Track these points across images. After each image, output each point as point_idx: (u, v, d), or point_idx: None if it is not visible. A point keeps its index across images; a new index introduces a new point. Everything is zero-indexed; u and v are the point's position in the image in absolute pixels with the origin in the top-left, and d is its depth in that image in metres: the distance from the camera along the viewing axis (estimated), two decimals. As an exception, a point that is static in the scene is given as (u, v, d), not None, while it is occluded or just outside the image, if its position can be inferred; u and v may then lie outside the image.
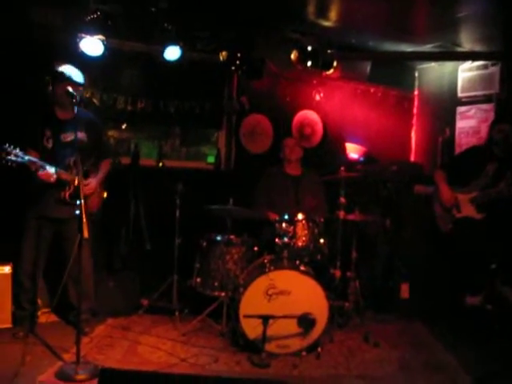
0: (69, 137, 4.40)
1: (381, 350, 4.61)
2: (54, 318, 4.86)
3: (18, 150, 3.99)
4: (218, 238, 5.04)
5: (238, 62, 5.95)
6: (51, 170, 4.19)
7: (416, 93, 7.44)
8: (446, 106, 6.88)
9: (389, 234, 6.05)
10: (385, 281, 5.95)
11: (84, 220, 3.75)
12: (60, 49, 5.27)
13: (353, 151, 6.88)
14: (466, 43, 6.05)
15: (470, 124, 6.58)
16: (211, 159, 6.76)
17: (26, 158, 4.05)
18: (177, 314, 5.08)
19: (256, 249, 5.09)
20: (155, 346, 4.44)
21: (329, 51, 5.96)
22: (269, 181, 5.59)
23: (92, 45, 5.14)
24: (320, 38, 5.97)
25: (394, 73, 7.23)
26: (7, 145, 3.95)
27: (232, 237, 5.02)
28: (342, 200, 5.10)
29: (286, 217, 4.87)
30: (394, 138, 7.24)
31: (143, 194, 5.68)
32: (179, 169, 6.34)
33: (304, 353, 4.35)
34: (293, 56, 5.95)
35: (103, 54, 5.21)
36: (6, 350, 4.18)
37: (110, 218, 4.96)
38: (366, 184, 6.15)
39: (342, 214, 5.06)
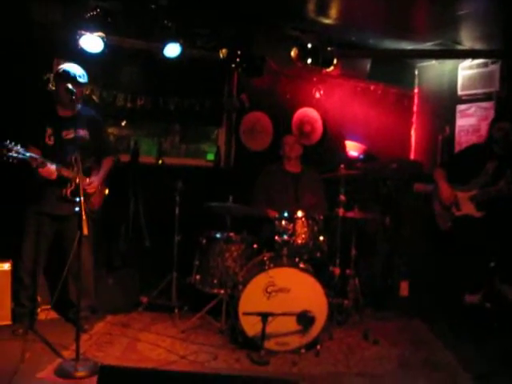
0: (70, 134, 4.40)
1: (380, 348, 4.62)
2: (53, 315, 4.86)
3: (19, 147, 3.99)
4: (218, 236, 5.04)
5: (238, 60, 5.94)
6: (52, 166, 4.19)
7: (416, 91, 7.45)
8: (445, 104, 6.88)
9: (388, 231, 6.05)
10: (384, 278, 5.96)
11: (84, 217, 3.76)
12: (60, 46, 5.28)
13: (352, 149, 6.87)
14: (467, 41, 6.04)
15: (469, 122, 6.57)
16: (211, 156, 6.75)
17: (27, 154, 4.05)
18: (176, 311, 5.09)
19: (255, 246, 5.09)
20: (155, 343, 4.44)
21: (329, 49, 5.95)
22: (268, 178, 5.59)
23: (92, 42, 5.13)
24: (320, 35, 5.97)
25: (394, 71, 7.24)
26: (8, 141, 3.94)
27: (231, 234, 5.02)
28: (342, 198, 5.10)
29: (286, 214, 4.87)
30: (394, 135, 7.25)
31: (143, 191, 5.68)
32: (179, 166, 6.34)
33: (303, 350, 4.36)
34: (293, 53, 5.95)
35: (103, 51, 5.20)
36: (5, 347, 4.18)
37: (109, 215, 4.95)
38: (366, 182, 6.15)
39: (341, 211, 5.06)
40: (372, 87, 7.10)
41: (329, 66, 6.09)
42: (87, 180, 4.51)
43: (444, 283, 5.39)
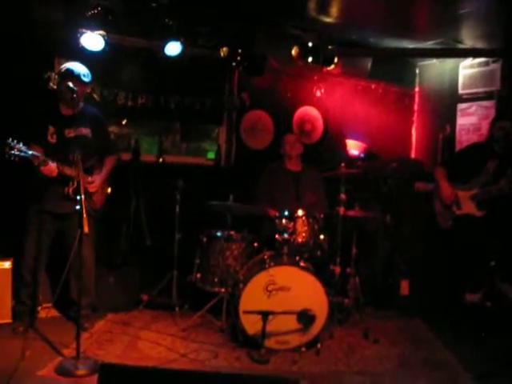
0: (73, 132, 4.40)
1: (380, 347, 4.62)
2: (54, 313, 4.87)
3: (21, 145, 3.99)
4: (218, 234, 5.04)
5: (238, 58, 5.94)
6: (53, 164, 4.20)
7: (417, 89, 7.45)
8: (446, 102, 6.88)
9: (389, 230, 6.05)
10: (385, 277, 5.96)
11: (84, 215, 3.76)
12: (61, 44, 5.28)
13: (353, 147, 6.87)
14: (468, 40, 6.04)
15: (470, 121, 6.57)
16: (211, 155, 6.76)
17: (30, 152, 4.05)
18: (177, 309, 5.09)
19: (256, 245, 5.09)
20: (155, 341, 4.45)
21: (330, 47, 5.96)
22: (269, 177, 5.59)
23: (93, 40, 5.13)
24: (321, 34, 5.97)
25: (395, 69, 7.23)
26: (10, 139, 3.95)
27: (232, 233, 5.02)
28: (343, 196, 5.09)
29: (286, 213, 4.87)
30: (395, 134, 7.25)
31: (143, 189, 5.68)
32: (179, 164, 6.34)
33: (303, 349, 4.36)
34: (294, 52, 5.95)
35: (104, 49, 5.20)
36: (5, 345, 4.18)
37: (110, 213, 4.95)
38: (367, 180, 6.15)
39: (342, 210, 5.06)
40: (373, 86, 7.10)
41: (329, 65, 6.09)
42: (89, 178, 4.51)
43: (444, 282, 5.39)
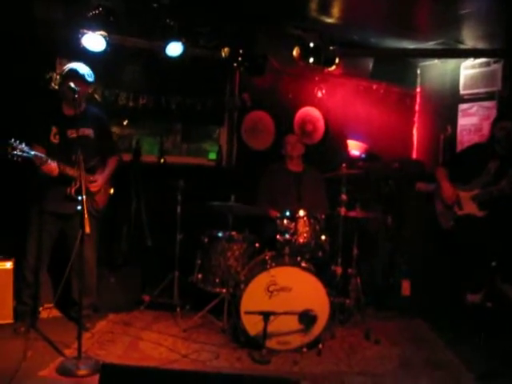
0: (75, 133, 4.41)
1: (382, 347, 4.62)
2: (55, 313, 4.87)
3: (23, 145, 4.00)
4: (220, 235, 5.04)
5: (240, 59, 5.94)
6: (54, 163, 4.20)
7: (418, 90, 7.45)
8: (447, 103, 6.88)
9: (390, 231, 6.05)
10: (386, 278, 5.96)
11: (86, 215, 3.77)
12: (62, 45, 5.28)
13: (354, 148, 6.87)
14: (469, 40, 6.04)
15: (471, 121, 6.57)
16: (213, 156, 6.76)
17: (32, 152, 4.05)
18: (178, 310, 5.09)
19: (257, 245, 5.09)
20: (156, 341, 4.45)
21: (331, 48, 5.95)
22: (270, 178, 5.59)
23: (94, 41, 5.13)
24: (322, 34, 5.96)
25: (396, 70, 7.23)
26: (13, 139, 3.95)
27: (233, 233, 5.02)
28: (344, 197, 5.09)
29: (288, 213, 4.87)
30: (396, 135, 7.25)
31: (144, 190, 5.68)
32: (181, 165, 6.34)
33: (305, 349, 4.36)
34: (295, 52, 5.94)
35: (105, 49, 5.21)
36: (7, 346, 4.18)
37: (111, 214, 4.95)
38: (368, 181, 6.15)
39: (343, 210, 5.06)
40: (374, 86, 7.10)
41: (331, 65, 6.09)
42: (91, 178, 4.52)
43: (445, 282, 5.39)
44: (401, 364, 4.29)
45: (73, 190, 4.34)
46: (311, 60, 5.93)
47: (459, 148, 6.59)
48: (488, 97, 6.39)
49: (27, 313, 4.57)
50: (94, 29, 5.10)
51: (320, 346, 4.37)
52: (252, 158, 6.59)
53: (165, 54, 5.57)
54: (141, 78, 5.98)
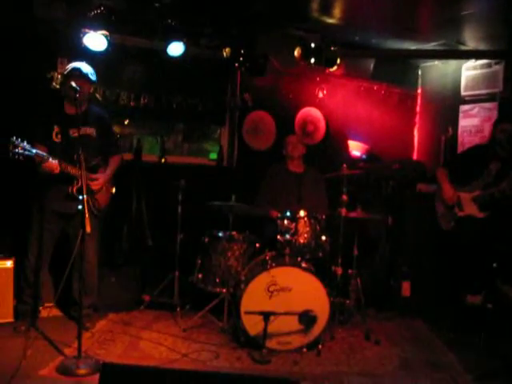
0: (77, 132, 4.40)
1: (381, 348, 4.62)
2: (55, 312, 4.88)
3: (25, 143, 3.99)
4: (220, 235, 5.03)
5: (241, 59, 5.95)
6: (54, 161, 4.20)
7: (419, 91, 7.45)
8: (449, 104, 6.88)
9: (390, 231, 6.05)
10: (386, 278, 5.96)
11: (87, 215, 3.77)
12: (64, 44, 5.29)
13: (355, 149, 6.88)
14: (470, 41, 6.04)
15: (473, 123, 6.57)
16: (214, 156, 6.76)
17: (34, 151, 4.05)
18: (178, 309, 5.09)
19: (258, 245, 5.08)
20: (156, 341, 4.45)
21: (332, 48, 5.96)
22: (271, 179, 5.59)
23: (95, 40, 5.14)
24: (324, 35, 5.97)
25: (398, 71, 7.24)
26: (14, 138, 3.95)
27: (234, 233, 5.02)
28: (344, 197, 5.09)
29: (288, 214, 4.87)
30: (397, 136, 7.25)
31: (145, 189, 5.68)
32: (181, 165, 6.34)
33: (305, 349, 4.36)
34: (296, 53, 5.95)
35: (106, 49, 5.22)
36: (7, 344, 4.19)
37: (112, 213, 4.95)
38: (369, 182, 6.15)
39: (343, 211, 5.06)
40: (375, 87, 7.10)
41: (332, 66, 6.09)
42: (93, 176, 4.52)
43: (446, 283, 5.39)
44: (401, 365, 4.29)
45: (74, 189, 4.34)
46: (312, 60, 5.94)
47: (460, 149, 6.60)
48: (489, 98, 6.39)
49: (27, 312, 4.57)
50: (95, 28, 5.11)
51: (320, 346, 4.37)
52: (253, 158, 6.58)
53: (166, 53, 5.58)
54: (142, 77, 5.99)
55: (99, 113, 4.75)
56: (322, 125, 6.93)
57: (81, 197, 3.86)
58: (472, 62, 6.55)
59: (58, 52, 5.37)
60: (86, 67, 4.46)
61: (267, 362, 4.14)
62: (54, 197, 4.43)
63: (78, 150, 4.02)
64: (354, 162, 6.37)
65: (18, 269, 4.61)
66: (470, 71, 6.60)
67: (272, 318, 4.18)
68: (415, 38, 6.17)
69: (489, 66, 6.35)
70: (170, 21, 5.43)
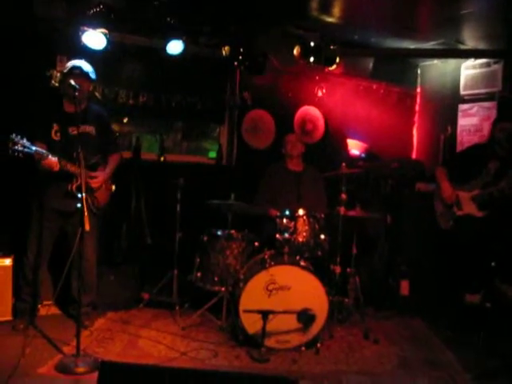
0: (76, 130, 4.40)
1: (380, 347, 4.62)
2: (54, 310, 4.88)
3: (24, 141, 3.99)
4: (219, 233, 5.04)
5: (240, 57, 5.95)
6: (54, 158, 4.19)
7: (418, 90, 7.45)
8: (448, 103, 6.88)
9: (389, 230, 6.05)
10: (385, 277, 5.97)
11: (85, 213, 3.77)
12: (63, 42, 5.29)
13: (354, 147, 6.88)
14: (469, 41, 6.04)
15: (472, 122, 6.57)
16: (213, 154, 6.76)
17: (33, 148, 4.04)
18: (177, 308, 5.09)
19: (256, 244, 5.08)
20: (155, 339, 4.45)
21: (331, 47, 5.96)
22: (271, 178, 5.59)
23: (94, 38, 5.14)
24: (323, 33, 5.97)
25: (397, 70, 7.24)
26: (14, 135, 3.94)
27: (233, 232, 5.02)
28: (343, 196, 5.09)
29: (287, 212, 4.87)
30: (396, 134, 7.25)
31: (144, 188, 5.69)
32: (180, 163, 6.34)
33: (303, 348, 4.36)
34: (295, 52, 5.95)
35: (106, 47, 5.21)
36: (5, 343, 4.19)
37: (111, 211, 4.95)
38: (368, 180, 6.15)
39: (342, 210, 5.05)
40: (374, 86, 7.10)
41: (331, 65, 6.10)
42: (92, 174, 4.52)
43: (444, 283, 5.39)
44: (399, 363, 4.29)
45: (74, 187, 4.34)
46: (312, 59, 5.94)
47: (459, 148, 6.60)
48: (488, 97, 6.39)
49: (26, 310, 4.57)
50: (94, 26, 5.11)
51: (318, 345, 4.37)
52: (252, 156, 6.58)
53: (165, 52, 5.58)
54: (141, 75, 5.98)
55: (98, 111, 4.75)
56: (321, 123, 6.93)
57: (80, 195, 3.85)
58: (471, 61, 6.55)
59: (57, 50, 5.37)
60: (85, 65, 4.46)
61: (266, 361, 4.14)
62: (54, 194, 4.42)
63: (78, 148, 4.01)
64: (352, 160, 6.37)
65: (16, 267, 4.61)
66: (469, 70, 6.60)
67: (271, 316, 4.18)
68: (414, 37, 6.17)
69: (488, 65, 6.35)
70: (169, 19, 5.43)
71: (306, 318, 4.31)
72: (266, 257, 4.66)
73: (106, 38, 5.17)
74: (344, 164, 5.20)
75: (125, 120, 6.30)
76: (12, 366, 3.66)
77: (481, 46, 6.14)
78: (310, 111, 6.90)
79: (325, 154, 6.68)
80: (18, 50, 5.08)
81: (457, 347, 4.61)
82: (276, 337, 4.32)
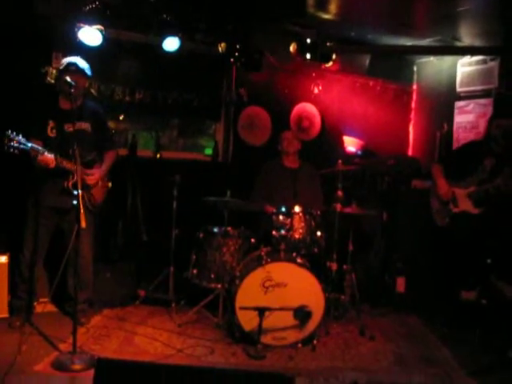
0: (72, 127, 4.38)
1: (376, 343, 4.63)
2: (50, 307, 4.87)
3: (20, 137, 3.98)
4: (215, 230, 5.04)
5: (236, 54, 5.94)
6: (50, 155, 4.18)
7: (415, 87, 7.46)
8: (444, 100, 6.89)
9: (385, 227, 6.06)
10: (381, 274, 5.98)
11: (81, 210, 3.77)
12: (58, 39, 5.27)
13: (351, 144, 6.88)
14: (466, 38, 6.04)
15: (468, 119, 6.58)
16: (209, 151, 6.75)
17: (29, 144, 4.04)
18: (173, 305, 5.09)
19: (253, 241, 5.08)
20: (151, 336, 4.45)
21: (328, 44, 5.95)
22: (267, 174, 5.59)
23: (90, 35, 5.12)
24: (319, 30, 5.96)
25: (393, 67, 7.24)
26: (10, 131, 3.93)
27: (229, 229, 5.01)
28: (339, 193, 5.09)
29: (283, 209, 4.88)
30: (392, 131, 7.25)
31: (140, 185, 5.68)
32: (177, 160, 6.34)
33: (300, 345, 4.37)
34: (292, 48, 5.94)
35: (101, 44, 5.19)
36: (2, 340, 4.18)
37: (107, 208, 4.94)
38: (364, 177, 6.16)
39: (339, 207, 5.06)
40: (371, 83, 7.10)
41: (328, 62, 6.09)
42: (88, 171, 4.51)
43: (440, 279, 5.40)
44: (395, 360, 4.30)
45: (70, 184, 4.32)
46: (308, 56, 5.93)
47: (455, 145, 6.60)
48: (484, 94, 6.40)
49: (22, 307, 4.56)
50: (90, 23, 5.09)
51: (315, 341, 4.38)
52: (248, 153, 6.58)
53: (161, 48, 5.57)
54: (137, 72, 5.97)
55: (94, 108, 4.74)
56: (318, 120, 6.94)
57: (76, 192, 3.85)
58: (467, 58, 6.55)
59: (52, 47, 5.35)
60: (81, 62, 4.45)
61: (262, 358, 4.14)
62: (50, 191, 4.41)
63: (73, 144, 4.01)
64: (349, 157, 6.38)
65: (12, 264, 4.60)
66: (465, 67, 6.60)
67: (267, 313, 4.18)
68: (411, 34, 6.17)
69: (484, 62, 6.35)
70: (165, 16, 5.41)
71: (302, 314, 4.32)
72: (263, 254, 4.66)
73: (102, 34, 5.15)
74: (340, 161, 5.19)
75: (121, 117, 6.29)
76: (8, 363, 3.66)
77: (477, 42, 6.14)
78: (307, 108, 6.90)
79: (321, 151, 6.68)
80: (13, 47, 5.06)
81: (453, 344, 4.63)
82: (272, 334, 4.33)
